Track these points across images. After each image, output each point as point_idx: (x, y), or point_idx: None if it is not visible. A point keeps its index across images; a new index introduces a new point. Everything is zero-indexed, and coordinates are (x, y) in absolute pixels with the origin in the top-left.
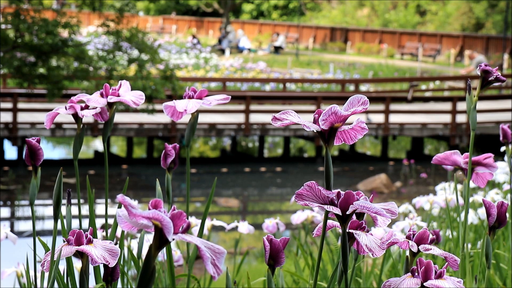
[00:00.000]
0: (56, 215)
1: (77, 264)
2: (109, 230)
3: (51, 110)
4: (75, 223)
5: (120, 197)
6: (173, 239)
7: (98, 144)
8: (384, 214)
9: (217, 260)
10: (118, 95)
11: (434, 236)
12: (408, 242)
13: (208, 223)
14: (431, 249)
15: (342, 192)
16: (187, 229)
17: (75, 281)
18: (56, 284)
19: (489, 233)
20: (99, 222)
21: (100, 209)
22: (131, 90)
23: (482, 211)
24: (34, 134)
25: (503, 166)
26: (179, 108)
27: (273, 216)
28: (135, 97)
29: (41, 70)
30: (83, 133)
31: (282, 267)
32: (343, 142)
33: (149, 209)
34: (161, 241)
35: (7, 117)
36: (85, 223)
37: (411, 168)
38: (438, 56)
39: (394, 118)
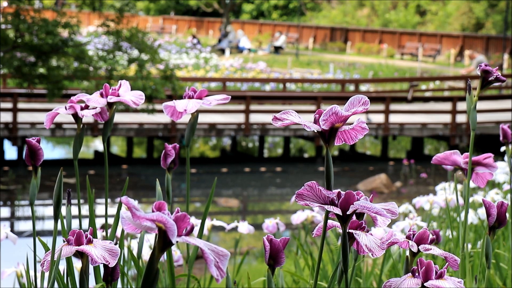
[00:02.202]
0: (56, 215)
1: (77, 264)
2: (109, 230)
3: (51, 110)
4: (75, 223)
5: (124, 199)
6: (177, 242)
7: (98, 144)
8: (385, 214)
9: (221, 263)
10: (118, 95)
11: (434, 236)
12: (408, 242)
13: (208, 223)
14: (431, 249)
15: (343, 192)
16: (190, 231)
17: (75, 281)
18: (56, 284)
19: (489, 233)
20: (99, 222)
21: (100, 209)
22: (131, 90)
23: (482, 211)
24: (34, 134)
25: (503, 166)
26: (179, 108)
27: (273, 216)
28: (135, 97)
29: (41, 70)
30: (83, 133)
31: (282, 267)
32: (343, 142)
33: (153, 211)
34: (164, 243)
35: (7, 117)
36: (85, 223)
37: (411, 168)
38: (438, 56)
39: (394, 118)
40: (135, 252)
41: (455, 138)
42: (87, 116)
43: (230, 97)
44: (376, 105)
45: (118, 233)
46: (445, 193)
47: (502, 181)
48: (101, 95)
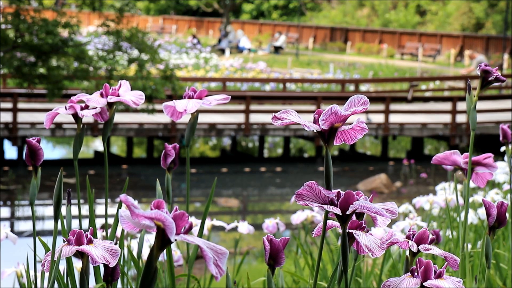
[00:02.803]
0: (57, 215)
1: (77, 264)
2: (109, 230)
3: (51, 110)
4: (75, 223)
5: (123, 197)
6: (175, 240)
7: (98, 144)
8: (384, 214)
9: (220, 261)
10: (118, 95)
11: (434, 236)
12: (408, 242)
13: (208, 223)
14: (431, 249)
15: (342, 192)
16: (189, 230)
17: (75, 281)
18: (56, 284)
19: (489, 233)
20: (99, 222)
21: (100, 209)
22: (131, 90)
23: (482, 211)
24: (34, 134)
25: (503, 166)
26: (179, 108)
27: (273, 216)
28: (135, 97)
29: (41, 70)
30: (83, 133)
31: (282, 267)
32: (343, 142)
33: (151, 209)
34: (163, 241)
35: (7, 117)
36: (85, 223)
37: (411, 168)
38: (438, 56)
39: (394, 118)
40: (135, 252)
41: (455, 138)
42: (87, 116)
43: (230, 97)
44: (376, 105)
45: (118, 233)
46: (445, 193)
47: (502, 181)
48: (101, 95)
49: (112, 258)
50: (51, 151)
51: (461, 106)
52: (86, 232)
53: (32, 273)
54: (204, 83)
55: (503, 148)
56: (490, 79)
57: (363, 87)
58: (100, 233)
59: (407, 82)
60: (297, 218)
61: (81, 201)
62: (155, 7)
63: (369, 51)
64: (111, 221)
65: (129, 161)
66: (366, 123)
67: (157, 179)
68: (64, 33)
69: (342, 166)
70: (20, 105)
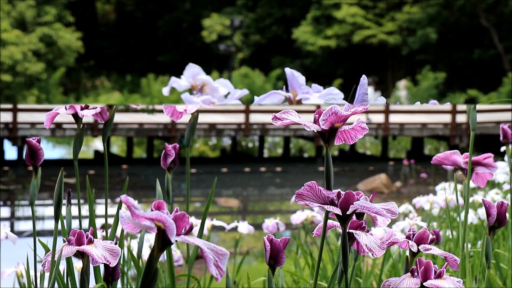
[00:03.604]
0: (57, 215)
1: (77, 264)
2: (109, 230)
3: (51, 110)
4: (75, 223)
5: (123, 197)
6: (176, 241)
7: (98, 144)
8: (384, 214)
9: (220, 262)
10: None
11: (434, 236)
12: (408, 242)
13: (208, 223)
14: (431, 249)
15: (342, 192)
16: (189, 231)
17: (75, 281)
18: (56, 284)
19: (489, 233)
20: (99, 222)
21: (100, 209)
22: None
23: (482, 211)
24: (34, 134)
25: (503, 166)
26: (179, 108)
27: (273, 216)
28: None
29: None
30: (83, 133)
31: (282, 267)
32: (343, 142)
33: (152, 210)
34: (163, 242)
35: (7, 117)
36: (85, 223)
37: (411, 168)
38: None
39: (394, 118)
40: (135, 252)
41: (455, 138)
42: (87, 116)
43: None
44: (376, 104)
45: (118, 233)
46: (445, 193)
47: (502, 181)
48: None
49: (113, 258)
50: (51, 151)
51: (461, 106)
52: (87, 232)
53: (32, 273)
54: None
55: (503, 148)
56: None
57: None
58: (100, 233)
59: None
60: (297, 218)
61: (81, 201)
62: None
63: None
64: (111, 221)
65: (129, 161)
66: (366, 123)
67: (157, 179)
68: None
69: (342, 166)
70: (20, 105)
